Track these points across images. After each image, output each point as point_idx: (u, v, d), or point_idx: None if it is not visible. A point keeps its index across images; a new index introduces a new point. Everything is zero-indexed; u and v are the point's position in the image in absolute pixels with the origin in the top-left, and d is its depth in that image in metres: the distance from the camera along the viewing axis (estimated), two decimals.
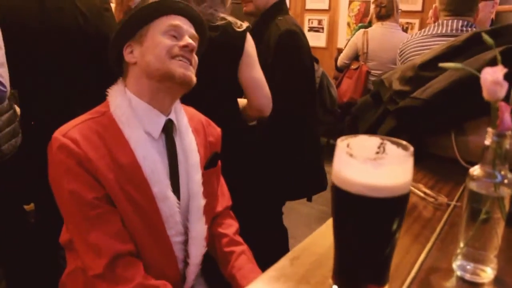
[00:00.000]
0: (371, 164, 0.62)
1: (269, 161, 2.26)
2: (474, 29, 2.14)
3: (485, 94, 0.70)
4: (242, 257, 1.42)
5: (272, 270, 0.76)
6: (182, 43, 1.29)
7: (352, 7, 5.85)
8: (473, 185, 0.75)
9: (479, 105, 1.26)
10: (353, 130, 1.70)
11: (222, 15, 1.94)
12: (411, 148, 0.65)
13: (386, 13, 3.88)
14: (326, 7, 6.11)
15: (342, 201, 0.65)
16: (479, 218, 0.74)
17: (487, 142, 0.74)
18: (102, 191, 1.18)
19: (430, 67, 1.37)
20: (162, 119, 1.31)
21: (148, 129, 1.28)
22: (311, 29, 6.22)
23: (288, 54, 2.17)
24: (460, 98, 1.24)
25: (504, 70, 0.68)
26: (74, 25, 1.90)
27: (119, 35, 1.33)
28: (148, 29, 1.30)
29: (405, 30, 5.31)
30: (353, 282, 0.69)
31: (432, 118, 1.30)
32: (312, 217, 3.82)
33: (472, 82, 1.21)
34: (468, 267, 0.76)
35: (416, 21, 5.47)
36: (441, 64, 0.77)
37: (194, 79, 1.32)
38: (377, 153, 0.69)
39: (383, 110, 1.48)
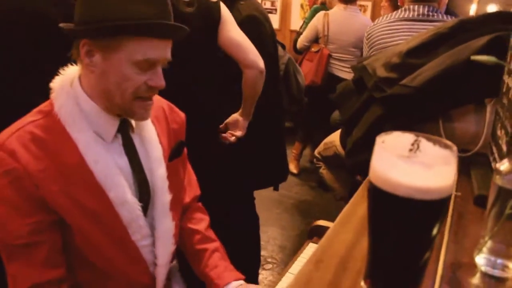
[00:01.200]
0: (420, 165, 0.59)
1: (234, 151, 2.21)
2: (439, 13, 2.17)
3: None
4: (215, 255, 1.37)
5: (300, 275, 0.73)
6: (152, 82, 1.11)
7: None
8: (500, 180, 0.74)
9: (467, 93, 1.29)
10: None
11: None
12: (454, 147, 0.62)
13: None
14: None
15: (386, 204, 0.62)
16: (506, 213, 0.74)
17: None
18: (36, 217, 1.07)
19: (417, 54, 1.36)
20: (116, 121, 1.18)
21: (100, 131, 1.15)
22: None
23: (250, 39, 2.10)
24: (450, 86, 1.24)
25: None
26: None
27: (81, 28, 1.10)
28: (119, 45, 1.07)
29: None
30: (390, 287, 0.67)
31: (422, 106, 1.29)
32: (272, 201, 3.83)
33: (462, 70, 1.23)
34: (494, 262, 0.75)
35: (369, 4, 5.56)
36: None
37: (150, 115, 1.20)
38: (410, 150, 0.66)
39: (367, 96, 1.46)
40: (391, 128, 1.32)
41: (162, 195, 1.26)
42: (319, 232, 1.60)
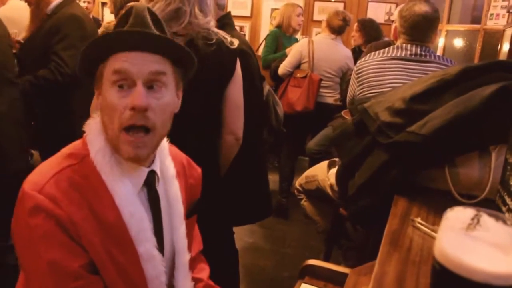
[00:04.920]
0: (499, 249, 0.56)
1: (214, 187, 2.16)
2: (431, 54, 2.21)
3: None
4: None
5: None
6: (131, 103, 1.01)
7: (274, 15, 5.88)
8: None
9: (474, 140, 1.30)
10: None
11: (214, 29, 1.81)
12: None
13: (344, 30, 4.00)
14: (248, 14, 6.10)
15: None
16: None
17: None
18: (86, 257, 0.99)
19: (422, 99, 1.37)
20: (144, 172, 1.11)
21: (131, 181, 1.08)
22: None
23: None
24: (458, 134, 1.25)
25: None
26: None
27: (80, 69, 1.08)
28: (103, 74, 1.05)
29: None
30: None
31: (430, 153, 1.29)
32: (242, 229, 3.74)
33: (470, 118, 1.24)
34: None
35: (247, 25, 5.91)
36: None
37: (147, 155, 1.09)
38: (470, 224, 0.64)
39: (370, 140, 1.45)
40: (397, 174, 1.34)
41: (183, 255, 1.20)
42: (310, 272, 1.57)
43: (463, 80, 1.35)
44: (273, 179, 4.69)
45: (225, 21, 2.23)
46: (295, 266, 1.64)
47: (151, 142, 1.06)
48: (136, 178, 1.10)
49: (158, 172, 1.16)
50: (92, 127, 1.10)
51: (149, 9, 1.10)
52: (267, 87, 2.62)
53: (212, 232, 2.28)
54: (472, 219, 0.64)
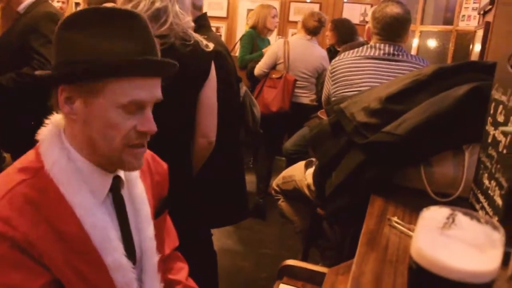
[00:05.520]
0: (474, 248, 0.57)
1: (190, 189, 2.14)
2: (404, 53, 2.24)
3: None
4: None
5: None
6: (142, 127, 1.02)
7: (250, 15, 5.88)
8: None
9: (449, 140, 1.31)
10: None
11: (191, 31, 1.80)
12: (502, 229, 0.61)
13: (319, 31, 4.04)
14: (224, 15, 6.09)
15: (433, 286, 0.60)
16: None
17: None
18: (49, 276, 0.95)
19: (397, 99, 1.38)
20: (109, 178, 1.08)
21: (93, 190, 1.04)
22: None
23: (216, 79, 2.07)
24: (433, 134, 1.26)
25: None
26: None
27: (55, 74, 1.01)
28: (101, 89, 0.98)
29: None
30: None
31: (406, 152, 1.30)
32: (221, 230, 3.73)
33: (443, 118, 1.26)
34: None
35: (223, 25, 5.99)
36: (503, 129, 0.74)
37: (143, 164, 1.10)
38: (446, 223, 0.65)
39: (346, 141, 1.46)
40: (373, 174, 1.35)
41: (151, 257, 1.17)
42: (288, 272, 1.57)
43: (437, 80, 1.37)
44: (250, 180, 4.69)
45: (202, 22, 2.21)
46: (274, 267, 1.64)
47: (143, 158, 1.09)
48: (100, 186, 1.06)
49: (122, 176, 1.13)
50: (45, 137, 1.05)
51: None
52: (243, 88, 2.62)
53: (189, 235, 2.27)
54: (448, 218, 0.65)
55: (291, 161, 3.48)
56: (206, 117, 1.86)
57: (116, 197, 1.10)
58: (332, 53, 4.14)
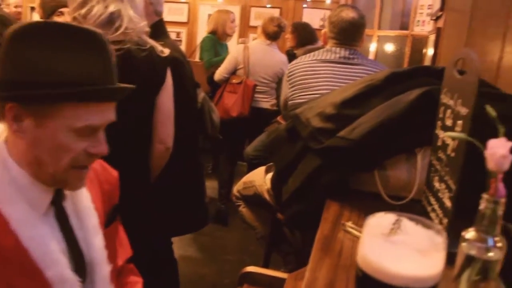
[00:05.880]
0: (419, 253, 0.57)
1: (150, 195, 2.11)
2: (359, 56, 2.28)
3: (492, 166, 0.69)
4: None
5: None
6: (93, 150, 1.00)
7: (209, 21, 5.86)
8: (466, 247, 0.75)
9: (402, 144, 1.33)
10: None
11: (146, 37, 1.77)
12: (444, 233, 0.61)
13: (279, 36, 4.04)
14: (185, 20, 6.05)
15: None
16: (471, 279, 0.75)
17: (482, 207, 0.74)
18: None
19: (352, 104, 1.39)
20: (50, 192, 1.03)
21: (32, 203, 1.00)
22: None
23: (173, 85, 2.04)
24: (386, 138, 1.28)
25: (510, 144, 0.68)
26: None
27: (5, 93, 0.95)
28: (56, 112, 0.94)
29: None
30: None
31: (361, 157, 1.31)
32: (182, 238, 3.69)
33: (396, 122, 1.28)
34: None
35: (184, 30, 5.97)
36: (448, 134, 0.75)
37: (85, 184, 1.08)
38: (392, 229, 0.65)
39: (302, 146, 1.46)
40: (329, 179, 1.35)
41: (102, 268, 1.12)
42: (249, 279, 1.57)
43: (390, 85, 1.39)
44: (212, 185, 4.66)
45: (159, 28, 2.18)
46: (236, 273, 1.62)
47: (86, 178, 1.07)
48: (39, 198, 1.02)
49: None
50: None
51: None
52: (202, 94, 2.59)
53: (149, 243, 2.23)
54: (394, 224, 0.65)
55: (252, 166, 3.47)
56: (162, 123, 1.83)
57: (58, 210, 1.06)
58: (292, 56, 4.16)
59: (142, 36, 1.75)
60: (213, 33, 4.41)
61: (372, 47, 4.47)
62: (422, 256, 0.59)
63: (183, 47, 6.06)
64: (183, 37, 6.11)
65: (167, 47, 2.00)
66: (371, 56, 4.42)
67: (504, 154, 0.68)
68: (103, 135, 1.02)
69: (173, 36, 6.09)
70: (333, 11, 2.42)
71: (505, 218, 1.52)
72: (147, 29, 1.80)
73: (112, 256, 1.18)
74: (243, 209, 2.66)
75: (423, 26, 3.96)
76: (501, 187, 0.72)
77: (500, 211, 0.74)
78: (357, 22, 2.36)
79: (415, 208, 1.28)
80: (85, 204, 1.12)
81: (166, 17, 6.29)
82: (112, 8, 1.67)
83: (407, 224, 0.65)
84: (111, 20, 1.68)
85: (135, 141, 1.83)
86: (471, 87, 0.97)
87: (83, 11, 1.68)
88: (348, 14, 2.36)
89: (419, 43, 4.16)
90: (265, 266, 2.64)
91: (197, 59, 4.70)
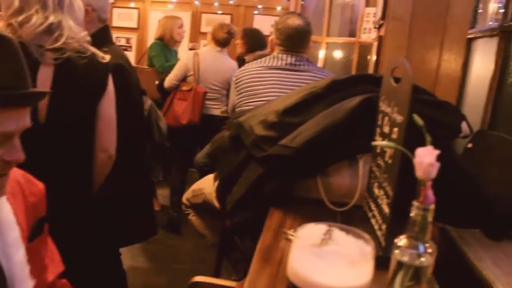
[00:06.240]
0: (349, 262, 0.57)
1: (97, 206, 2.05)
2: (305, 63, 2.30)
3: (420, 174, 0.70)
4: None
5: None
6: (9, 157, 0.95)
7: (157, 27, 5.81)
8: (398, 254, 0.76)
9: (343, 150, 1.35)
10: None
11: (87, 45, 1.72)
12: (372, 243, 0.62)
13: (229, 43, 4.04)
14: (135, 26, 5.96)
15: None
16: (405, 285, 0.76)
17: (412, 214, 0.75)
18: None
19: (294, 112, 1.40)
20: None
21: None
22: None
23: (117, 92, 2.00)
24: (328, 145, 1.29)
25: (437, 152, 0.69)
26: None
27: None
28: None
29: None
30: None
31: (303, 164, 1.32)
32: (133, 247, 3.61)
33: (337, 130, 1.29)
34: None
35: (134, 36, 5.95)
36: (377, 143, 0.76)
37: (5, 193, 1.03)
38: (323, 239, 0.65)
39: (246, 154, 1.45)
40: (272, 187, 1.35)
41: (23, 284, 1.07)
42: None
43: (331, 92, 1.40)
44: (164, 193, 4.60)
45: (103, 35, 2.14)
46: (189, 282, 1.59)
47: (5, 187, 1.01)
48: None
49: None
50: None
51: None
52: (148, 102, 2.56)
53: (95, 255, 2.17)
54: (325, 234, 0.65)
55: (203, 174, 3.44)
56: (105, 130, 1.79)
57: None
58: (242, 62, 4.16)
59: (83, 44, 1.72)
60: (160, 39, 4.38)
61: (321, 53, 4.53)
62: (352, 266, 0.59)
63: (133, 53, 5.96)
64: (133, 43, 6.02)
65: (111, 53, 1.96)
66: (320, 63, 4.48)
67: (431, 162, 0.69)
68: (19, 142, 0.97)
69: (122, 42, 5.99)
70: (280, 18, 2.44)
71: (441, 220, 1.56)
72: (88, 38, 1.77)
73: (38, 271, 1.13)
74: (193, 217, 2.63)
75: (369, 33, 4.05)
76: (430, 194, 0.74)
77: (430, 217, 0.75)
78: (303, 29, 2.39)
79: (357, 214, 1.30)
80: (5, 217, 1.06)
81: (116, 22, 6.21)
82: (52, 18, 1.64)
83: (338, 234, 0.65)
84: (50, 30, 1.64)
85: (77, 149, 1.78)
86: (405, 95, 0.99)
87: (20, 18, 1.63)
88: (294, 21, 2.38)
89: (365, 50, 4.26)
90: (216, 274, 2.62)
91: (145, 66, 4.65)
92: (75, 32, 1.69)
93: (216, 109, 3.98)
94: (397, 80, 1.09)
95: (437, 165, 0.69)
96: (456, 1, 1.93)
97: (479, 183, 1.46)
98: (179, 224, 4.02)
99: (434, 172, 0.70)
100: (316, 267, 0.58)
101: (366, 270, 0.60)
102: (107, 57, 1.75)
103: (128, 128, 2.07)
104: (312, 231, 0.65)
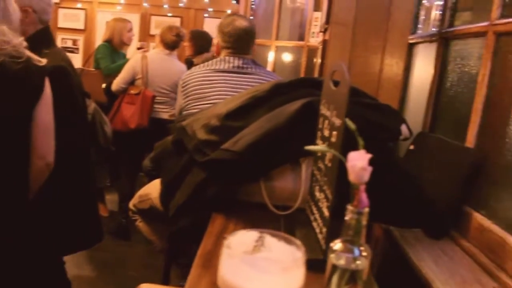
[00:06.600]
0: (281, 268, 0.56)
1: (39, 213, 1.98)
2: (252, 66, 2.30)
3: (353, 178, 0.70)
4: None
5: None
6: None
7: (106, 29, 5.69)
8: (334, 258, 0.76)
9: (286, 154, 1.35)
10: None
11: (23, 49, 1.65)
12: (303, 248, 0.61)
13: (178, 45, 3.99)
14: (82, 27, 5.80)
15: None
16: None
17: (347, 218, 0.75)
18: None
19: (236, 116, 1.39)
20: None
21: None
22: (65, 49, 5.80)
23: (59, 95, 1.93)
24: (270, 149, 1.28)
25: (369, 156, 0.70)
26: None
27: None
28: None
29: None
30: None
31: (245, 169, 1.31)
32: (79, 255, 3.51)
33: (279, 133, 1.29)
34: None
35: (81, 38, 5.88)
36: (310, 147, 0.76)
37: None
38: (255, 246, 0.64)
39: (188, 159, 1.43)
40: (214, 191, 1.33)
41: None
42: None
43: (274, 96, 1.40)
44: (113, 199, 4.49)
45: (44, 36, 2.07)
46: None
47: None
48: None
49: None
50: None
51: None
52: (92, 105, 2.49)
53: (36, 265, 2.08)
54: (257, 241, 0.64)
55: (151, 178, 3.37)
56: (42, 136, 1.72)
57: None
58: (190, 64, 4.12)
59: (19, 49, 1.65)
60: (108, 41, 4.29)
61: (271, 57, 4.55)
62: (284, 273, 0.58)
63: (80, 55, 5.80)
64: (80, 45, 5.86)
65: (52, 55, 1.90)
66: (269, 66, 4.50)
67: (363, 166, 0.69)
68: None
69: (69, 43, 5.83)
70: (224, 21, 2.42)
71: (384, 221, 1.58)
72: (25, 43, 1.70)
73: None
74: (140, 224, 2.58)
75: (317, 37, 4.10)
76: (364, 198, 0.74)
77: (364, 221, 0.75)
78: (250, 31, 2.40)
79: (300, 218, 1.30)
80: None
81: (62, 23, 6.03)
82: None
83: (270, 240, 0.64)
84: None
85: (11, 156, 1.70)
86: (343, 98, 1.00)
87: None
88: (242, 23, 2.38)
89: (313, 53, 4.31)
90: (165, 280, 2.58)
91: (91, 68, 4.53)
92: (9, 37, 1.63)
93: (165, 113, 3.92)
94: (336, 83, 1.10)
95: (370, 169, 0.70)
96: (397, 7, 1.98)
97: (420, 184, 1.50)
98: (128, 230, 3.93)
99: (366, 176, 0.70)
100: (246, 276, 0.57)
101: (297, 276, 0.59)
102: (43, 61, 1.68)
103: (71, 132, 2.00)
104: (243, 238, 0.64)
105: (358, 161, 0.69)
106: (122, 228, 3.93)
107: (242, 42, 2.35)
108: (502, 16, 1.54)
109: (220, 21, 2.47)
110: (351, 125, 0.74)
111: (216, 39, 2.48)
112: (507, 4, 1.54)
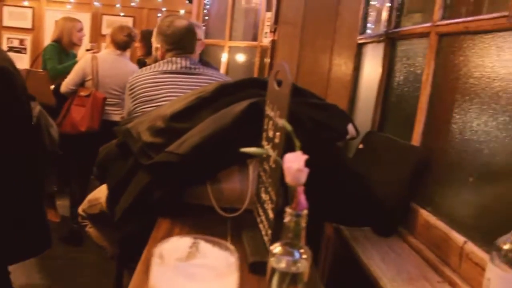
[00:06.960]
0: (216, 275, 0.55)
1: None
2: (199, 66, 2.27)
3: (289, 180, 0.69)
4: None
5: None
6: None
7: (54, 29, 5.53)
8: (275, 262, 0.75)
9: (232, 155, 1.33)
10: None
11: None
12: (236, 254, 0.59)
13: (129, 46, 3.90)
14: (29, 26, 5.61)
15: None
16: None
17: (286, 220, 0.74)
18: None
19: (181, 118, 1.36)
20: None
21: None
22: (11, 49, 5.60)
23: (1, 97, 1.85)
24: (216, 150, 1.26)
25: (305, 157, 0.69)
26: None
27: None
28: None
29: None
30: None
31: (190, 171, 1.28)
32: (28, 263, 3.39)
33: (223, 135, 1.27)
34: None
35: (28, 37, 5.76)
36: (243, 150, 0.74)
37: None
38: (190, 253, 0.62)
39: (133, 162, 1.39)
40: (160, 194, 1.30)
41: None
42: None
43: (220, 97, 1.38)
44: (65, 204, 4.36)
45: None
46: None
47: None
48: None
49: None
50: None
51: None
52: (37, 108, 2.39)
53: None
54: (191, 247, 0.62)
55: (102, 182, 3.30)
56: None
57: None
58: (143, 64, 4.04)
59: None
60: (57, 41, 4.15)
61: (224, 57, 4.53)
62: (219, 277, 0.57)
63: (27, 55, 5.61)
64: (28, 44, 5.66)
65: None
66: (222, 67, 4.48)
67: (299, 168, 0.68)
68: None
69: (16, 43, 5.63)
70: (163, 23, 2.37)
71: (334, 220, 1.59)
72: None
73: None
74: (90, 229, 2.50)
75: (270, 37, 4.12)
76: (302, 200, 0.73)
77: (303, 223, 0.74)
78: (192, 30, 2.37)
79: (248, 220, 1.28)
80: None
81: (7, 22, 5.81)
82: None
83: (204, 246, 0.62)
84: None
85: None
86: (285, 99, 0.99)
87: None
88: (182, 22, 2.34)
89: (266, 53, 4.32)
90: (118, 286, 2.52)
91: (39, 69, 4.37)
92: None
93: (116, 115, 3.82)
94: (280, 83, 1.09)
95: (306, 170, 0.69)
96: (345, 7, 2.00)
97: (368, 183, 1.51)
98: (81, 236, 3.82)
99: (303, 178, 0.69)
100: (178, 284, 0.55)
101: (231, 282, 0.57)
102: None
103: (13, 137, 1.92)
104: (177, 245, 0.61)
105: (294, 163, 0.68)
106: (74, 234, 3.82)
107: (185, 42, 2.32)
108: (444, 17, 1.58)
109: (158, 25, 2.42)
110: (287, 126, 0.73)
111: (157, 44, 2.41)
112: (449, 5, 1.57)
